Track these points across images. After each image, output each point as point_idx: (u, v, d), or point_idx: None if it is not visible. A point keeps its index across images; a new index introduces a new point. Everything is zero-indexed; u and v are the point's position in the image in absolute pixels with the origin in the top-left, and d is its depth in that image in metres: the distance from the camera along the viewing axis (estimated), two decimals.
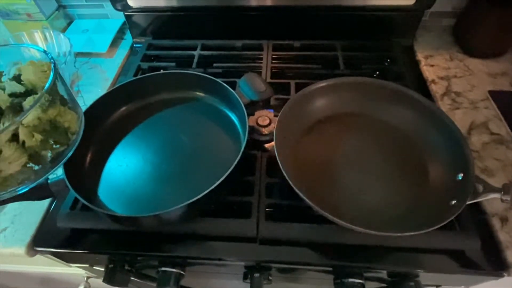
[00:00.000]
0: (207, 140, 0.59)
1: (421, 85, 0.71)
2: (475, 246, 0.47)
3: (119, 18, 0.87)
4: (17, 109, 0.43)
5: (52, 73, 0.42)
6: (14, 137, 0.40)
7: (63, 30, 0.87)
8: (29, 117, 0.39)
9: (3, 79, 0.47)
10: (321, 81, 0.58)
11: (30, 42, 0.74)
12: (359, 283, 0.48)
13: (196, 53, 0.77)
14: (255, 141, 0.58)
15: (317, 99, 0.59)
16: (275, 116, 0.59)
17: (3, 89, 0.44)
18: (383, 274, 0.51)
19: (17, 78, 0.45)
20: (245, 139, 0.50)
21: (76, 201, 0.53)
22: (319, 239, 0.49)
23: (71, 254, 0.55)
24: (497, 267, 0.46)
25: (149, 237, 0.51)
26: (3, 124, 0.41)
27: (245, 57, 0.78)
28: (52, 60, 0.44)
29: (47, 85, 0.41)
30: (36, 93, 0.44)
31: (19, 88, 0.44)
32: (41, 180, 0.44)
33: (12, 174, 0.41)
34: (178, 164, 0.56)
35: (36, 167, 0.43)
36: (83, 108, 0.56)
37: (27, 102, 0.42)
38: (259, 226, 0.49)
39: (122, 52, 0.83)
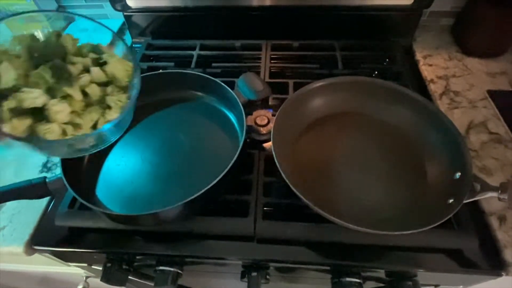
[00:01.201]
0: (205, 139, 0.59)
1: (420, 85, 0.71)
2: (473, 245, 0.47)
3: (119, 18, 0.87)
4: (102, 102, 0.43)
5: (137, 80, 0.44)
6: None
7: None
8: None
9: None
10: (319, 80, 0.58)
11: None
12: (357, 282, 0.48)
13: (195, 53, 0.77)
14: (253, 141, 0.59)
15: (315, 99, 0.59)
16: (273, 115, 0.59)
17: (87, 70, 0.43)
18: (381, 273, 0.51)
19: (101, 65, 0.44)
20: (243, 139, 0.51)
21: (74, 200, 0.53)
22: (317, 238, 0.49)
23: (69, 253, 0.55)
24: (495, 266, 0.46)
25: (146, 236, 0.51)
26: (90, 113, 0.41)
27: (244, 57, 0.78)
28: (137, 65, 0.45)
29: (133, 97, 0.43)
30: (115, 85, 0.44)
31: (102, 78, 0.43)
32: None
33: None
34: (176, 163, 0.56)
35: None
36: None
37: (111, 100, 0.42)
38: (256, 225, 0.49)
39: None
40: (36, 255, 0.54)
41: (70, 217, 0.52)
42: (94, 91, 0.41)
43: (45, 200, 0.56)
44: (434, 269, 0.47)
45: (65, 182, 0.47)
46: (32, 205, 0.55)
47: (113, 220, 0.48)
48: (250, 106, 0.59)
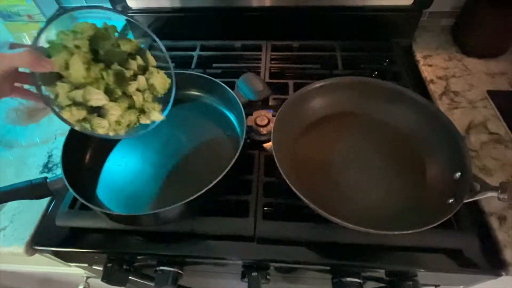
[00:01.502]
0: (206, 139, 0.59)
1: (420, 85, 0.71)
2: (473, 245, 0.47)
3: (120, 19, 0.87)
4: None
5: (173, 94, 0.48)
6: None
7: None
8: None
9: None
10: (319, 80, 0.58)
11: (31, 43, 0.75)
12: (357, 282, 0.48)
13: (195, 53, 0.78)
14: (254, 141, 0.59)
15: (315, 99, 0.59)
16: (274, 116, 0.59)
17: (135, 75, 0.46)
18: (381, 273, 0.51)
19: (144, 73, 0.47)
20: (243, 139, 0.51)
21: (75, 200, 0.53)
22: (317, 238, 0.49)
23: (70, 253, 0.55)
24: (495, 266, 0.46)
25: (147, 236, 0.51)
26: (129, 114, 0.45)
27: (244, 57, 0.78)
28: (174, 82, 0.49)
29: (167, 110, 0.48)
30: (151, 93, 0.48)
31: (144, 87, 0.46)
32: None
33: None
34: (176, 163, 0.56)
35: None
36: None
37: (147, 107, 0.47)
38: (256, 225, 0.49)
39: None
40: (37, 255, 0.54)
41: (71, 217, 0.52)
42: (139, 98, 0.45)
43: (45, 200, 0.56)
44: (434, 269, 0.47)
45: (66, 182, 0.47)
46: (33, 206, 0.55)
47: (113, 220, 0.48)
48: (250, 107, 0.59)
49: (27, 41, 0.74)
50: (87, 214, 0.52)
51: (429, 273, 0.48)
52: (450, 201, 0.43)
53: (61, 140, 0.53)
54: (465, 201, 0.42)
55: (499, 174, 0.54)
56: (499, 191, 0.42)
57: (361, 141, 0.57)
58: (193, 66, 0.75)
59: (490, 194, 0.43)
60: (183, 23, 0.81)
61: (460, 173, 0.46)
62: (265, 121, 0.60)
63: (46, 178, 0.48)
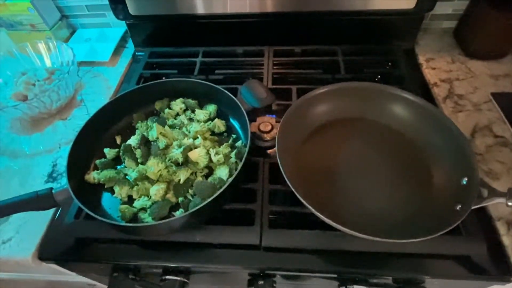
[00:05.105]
0: None
1: (423, 88, 0.71)
2: (481, 251, 0.46)
3: (121, 27, 0.88)
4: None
5: None
6: None
7: (66, 40, 0.88)
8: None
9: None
10: (322, 86, 0.58)
11: (34, 53, 0.75)
12: None
13: (198, 60, 0.78)
14: (258, 148, 0.59)
15: (319, 105, 0.59)
16: (277, 122, 0.59)
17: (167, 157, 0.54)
18: (389, 280, 0.51)
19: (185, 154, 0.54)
20: (247, 146, 0.51)
21: (80, 210, 0.53)
22: (323, 246, 0.48)
23: (75, 263, 0.55)
24: (504, 272, 0.46)
25: (153, 245, 0.51)
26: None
27: (246, 63, 0.78)
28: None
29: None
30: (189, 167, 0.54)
31: (181, 160, 0.53)
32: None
33: None
34: None
35: None
36: (87, 117, 0.57)
37: (183, 174, 0.54)
38: (262, 234, 0.49)
39: (124, 60, 0.84)
40: (42, 264, 0.54)
41: (76, 227, 0.52)
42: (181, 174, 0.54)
43: (51, 210, 0.56)
44: (441, 275, 0.47)
45: (71, 193, 0.47)
46: (38, 216, 0.55)
47: (119, 231, 0.48)
48: (253, 112, 0.59)
49: (30, 50, 0.75)
50: (92, 225, 0.52)
51: (436, 280, 0.48)
52: (458, 207, 0.43)
53: (66, 149, 0.53)
54: (473, 207, 0.42)
55: (505, 177, 0.54)
56: (507, 197, 0.42)
57: (365, 147, 0.57)
58: (195, 72, 0.75)
59: (498, 200, 0.42)
60: (185, 30, 0.81)
61: (467, 179, 0.46)
62: (269, 127, 0.60)
63: (51, 189, 0.48)
